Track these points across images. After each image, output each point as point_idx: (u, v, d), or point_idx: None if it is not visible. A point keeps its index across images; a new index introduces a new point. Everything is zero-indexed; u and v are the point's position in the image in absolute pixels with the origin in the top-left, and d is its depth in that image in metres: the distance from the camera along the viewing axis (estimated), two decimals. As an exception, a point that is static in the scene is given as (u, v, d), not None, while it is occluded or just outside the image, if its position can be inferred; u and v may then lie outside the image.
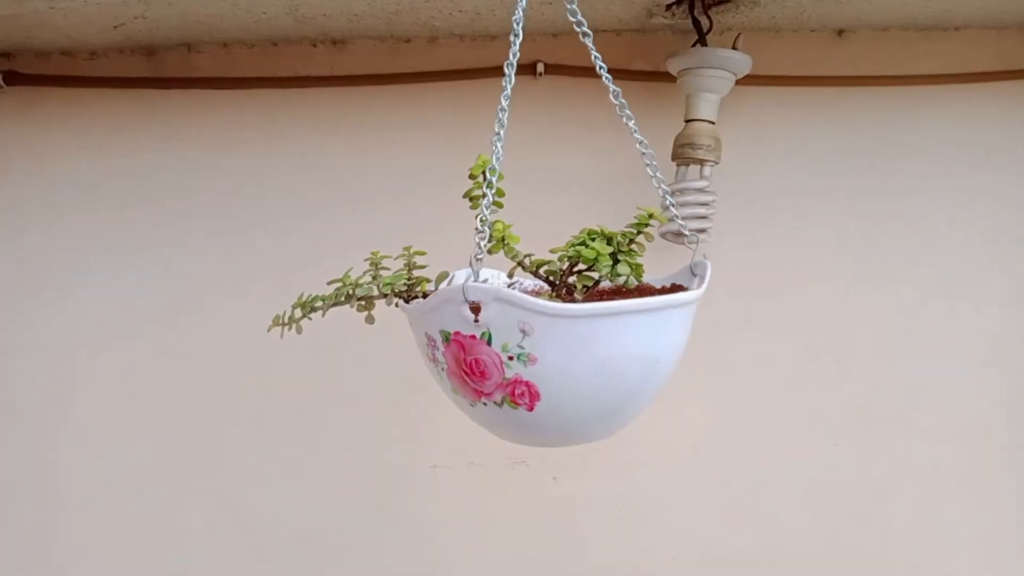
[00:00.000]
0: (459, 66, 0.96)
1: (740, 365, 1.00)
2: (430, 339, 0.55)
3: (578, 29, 0.59)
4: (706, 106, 0.89)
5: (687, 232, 0.67)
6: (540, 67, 0.96)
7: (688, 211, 0.88)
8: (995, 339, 1.00)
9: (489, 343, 0.52)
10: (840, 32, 0.98)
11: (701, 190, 0.90)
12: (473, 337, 0.52)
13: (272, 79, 0.96)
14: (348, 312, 0.64)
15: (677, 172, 0.92)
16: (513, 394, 0.53)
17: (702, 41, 0.89)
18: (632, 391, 0.55)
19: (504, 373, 0.52)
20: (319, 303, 0.61)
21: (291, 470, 1.01)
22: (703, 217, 0.90)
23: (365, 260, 0.62)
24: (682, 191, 0.90)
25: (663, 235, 0.91)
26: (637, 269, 0.62)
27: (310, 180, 0.99)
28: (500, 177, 0.57)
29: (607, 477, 1.00)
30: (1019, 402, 0.99)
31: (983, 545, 1.00)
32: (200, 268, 0.99)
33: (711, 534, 1.01)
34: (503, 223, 0.57)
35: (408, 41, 0.97)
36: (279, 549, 1.00)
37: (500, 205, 0.60)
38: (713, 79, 0.87)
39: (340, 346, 0.95)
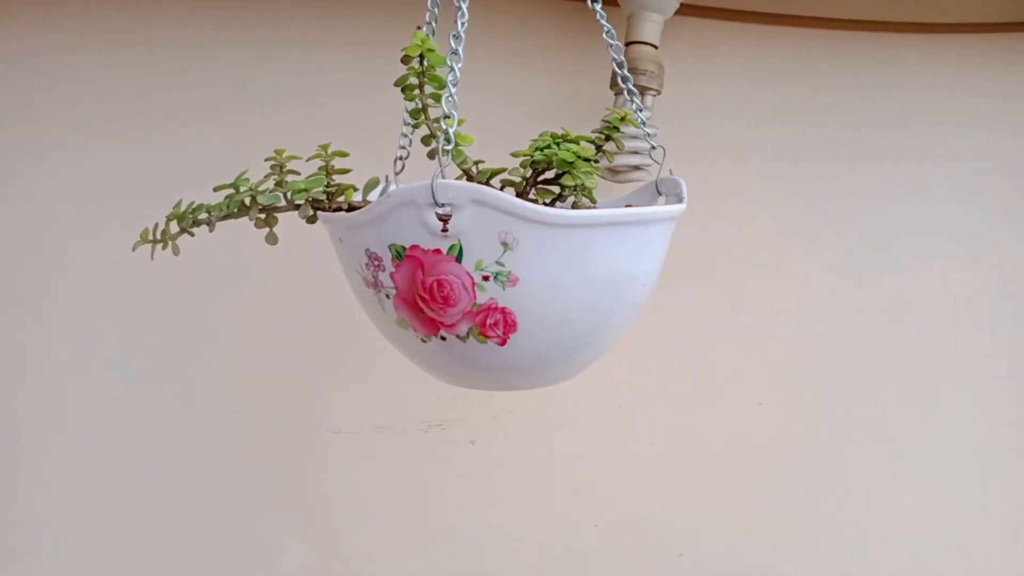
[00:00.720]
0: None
1: (668, 319, 0.94)
2: (372, 257, 0.43)
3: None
4: (650, 27, 0.80)
5: (653, 146, 0.57)
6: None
7: (629, 144, 0.80)
8: (909, 294, 0.99)
9: (459, 259, 0.42)
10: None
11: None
12: (438, 252, 0.42)
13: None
14: (230, 233, 0.51)
15: (616, 101, 0.83)
16: (484, 324, 0.43)
17: (648, -47, 0.80)
18: (615, 320, 0.46)
19: (475, 298, 0.42)
20: (204, 214, 0.47)
21: (160, 436, 0.85)
22: (640, 152, 0.82)
23: (266, 161, 0.49)
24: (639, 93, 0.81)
25: (599, 173, 0.83)
26: (590, 190, 0.54)
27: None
28: (438, 62, 0.46)
29: (529, 439, 0.91)
30: (931, 357, 0.99)
31: (898, 498, 1.00)
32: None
33: (636, 497, 0.94)
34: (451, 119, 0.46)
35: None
36: (147, 528, 0.85)
37: (437, 98, 0.49)
38: (659, -5, 0.79)
39: (223, 279, 0.81)
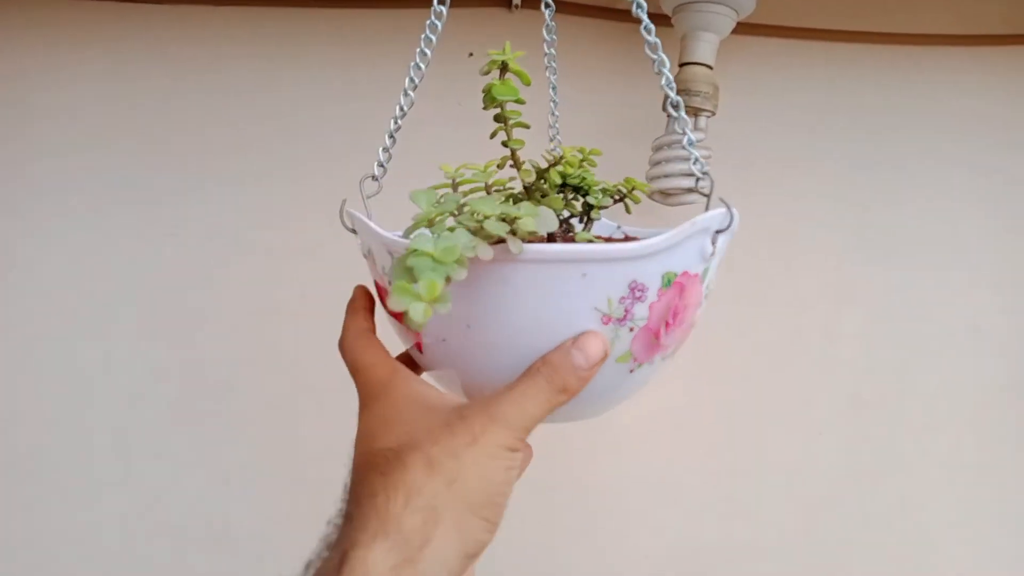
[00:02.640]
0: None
1: (726, 344, 0.91)
2: (635, 288, 0.42)
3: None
4: (704, 47, 0.79)
5: (699, 176, 0.55)
6: (516, -1, 0.85)
7: (681, 167, 0.78)
8: (987, 321, 0.93)
9: (703, 279, 0.45)
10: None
11: (696, 144, 0.79)
12: (696, 275, 0.44)
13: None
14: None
15: (668, 123, 0.82)
16: (679, 341, 0.47)
17: (703, -27, 0.79)
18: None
19: (694, 315, 0.46)
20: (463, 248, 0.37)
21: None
22: (692, 175, 0.80)
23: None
24: (673, 144, 0.79)
25: (650, 195, 0.81)
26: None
27: (237, 116, 0.85)
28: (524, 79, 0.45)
29: (574, 465, 0.90)
30: (1010, 388, 0.93)
31: (969, 538, 0.93)
32: (129, 222, 0.85)
33: (689, 527, 0.91)
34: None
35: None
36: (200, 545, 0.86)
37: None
38: (713, 16, 0.77)
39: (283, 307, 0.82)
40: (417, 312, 0.33)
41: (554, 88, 0.62)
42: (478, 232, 0.38)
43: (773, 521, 0.92)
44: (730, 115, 0.85)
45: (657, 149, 0.81)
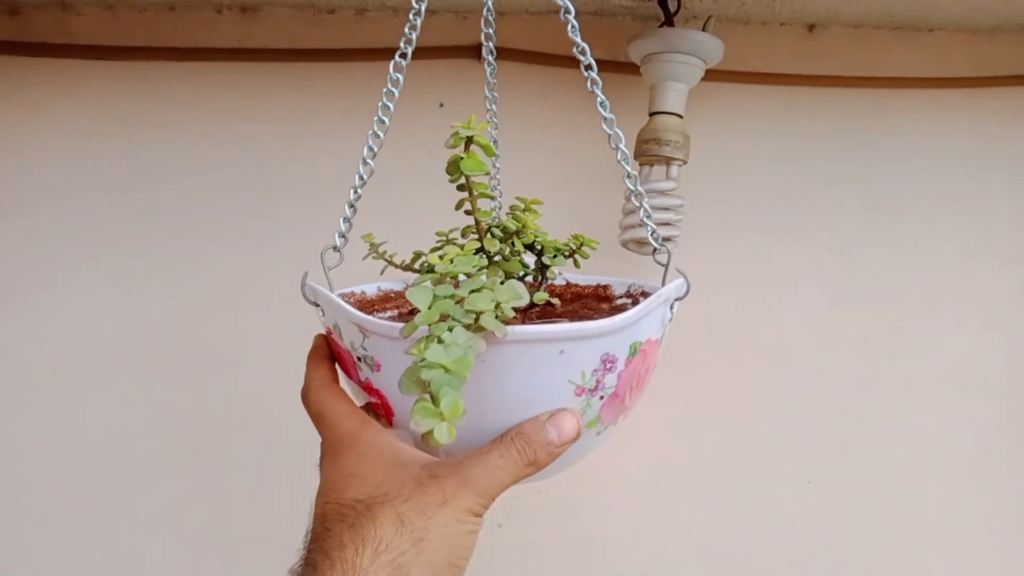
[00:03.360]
0: (390, 44, 0.83)
1: (701, 392, 0.90)
2: (606, 360, 0.42)
3: (561, 2, 0.46)
4: (674, 97, 0.79)
5: (657, 243, 0.53)
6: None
7: (655, 216, 0.78)
8: (976, 361, 0.92)
9: (661, 343, 0.48)
10: (811, 27, 0.90)
11: (667, 192, 0.79)
12: (657, 341, 0.46)
13: (168, 50, 0.80)
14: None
15: (640, 172, 0.81)
16: (637, 399, 0.49)
17: (669, 22, 0.79)
18: None
19: (650, 375, 0.48)
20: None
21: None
22: (669, 223, 0.80)
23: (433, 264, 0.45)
24: (647, 193, 0.79)
25: (624, 244, 0.80)
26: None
27: (208, 169, 0.83)
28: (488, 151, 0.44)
29: (558, 521, 0.87)
30: (1002, 430, 0.92)
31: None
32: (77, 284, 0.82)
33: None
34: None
35: (332, 12, 0.83)
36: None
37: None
38: (682, 66, 0.77)
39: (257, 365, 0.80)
40: (442, 434, 0.33)
41: (495, 142, 0.62)
42: (471, 327, 0.38)
43: (763, 574, 0.90)
44: (704, 159, 0.85)
45: (629, 199, 0.80)
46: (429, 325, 0.36)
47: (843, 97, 0.90)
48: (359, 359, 0.44)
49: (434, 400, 0.31)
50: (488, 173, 0.44)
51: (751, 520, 0.90)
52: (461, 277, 0.44)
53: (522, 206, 0.52)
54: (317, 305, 0.47)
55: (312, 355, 0.49)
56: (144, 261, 0.83)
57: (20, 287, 0.81)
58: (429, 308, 0.35)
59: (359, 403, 0.48)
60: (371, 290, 0.58)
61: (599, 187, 0.87)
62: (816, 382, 0.91)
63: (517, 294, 0.39)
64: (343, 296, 0.55)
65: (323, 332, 0.50)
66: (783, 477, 0.91)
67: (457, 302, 0.37)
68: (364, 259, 0.57)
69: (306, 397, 0.47)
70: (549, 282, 0.61)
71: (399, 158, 0.75)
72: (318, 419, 0.46)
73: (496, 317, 0.37)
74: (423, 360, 0.33)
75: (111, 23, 0.80)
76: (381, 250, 0.59)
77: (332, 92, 0.83)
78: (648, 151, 0.79)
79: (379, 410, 0.46)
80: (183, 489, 0.83)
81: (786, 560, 0.90)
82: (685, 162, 0.79)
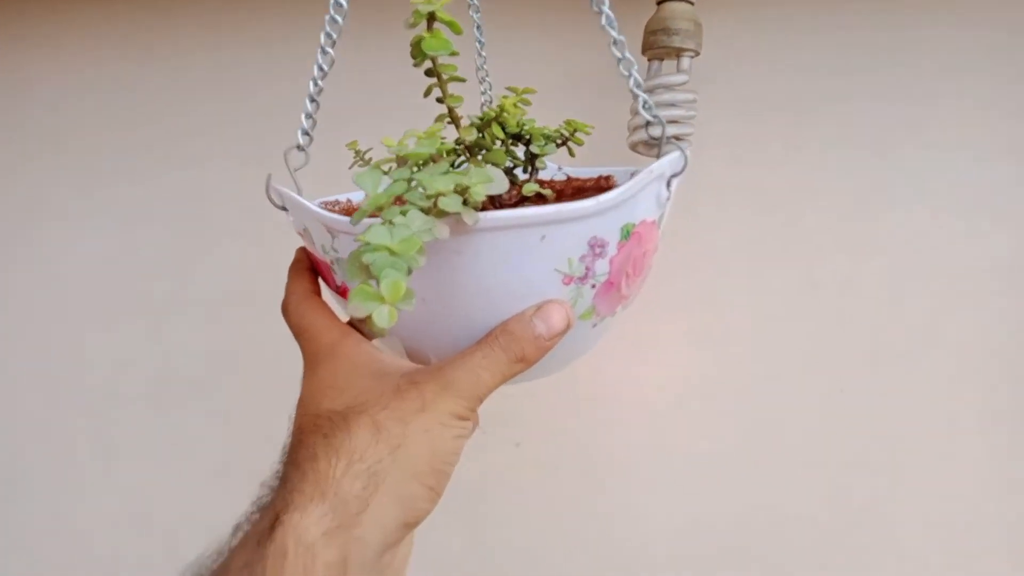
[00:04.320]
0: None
1: (728, 302, 0.86)
2: (595, 245, 0.40)
3: None
4: (682, -19, 0.72)
5: (649, 115, 0.49)
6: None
7: (662, 113, 0.72)
8: (1013, 265, 0.86)
9: (659, 225, 0.44)
10: None
11: (677, 87, 0.73)
12: (653, 222, 0.43)
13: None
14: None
15: (649, 68, 0.75)
16: (638, 288, 0.46)
17: (676, -103, 0.72)
18: None
19: (651, 260, 0.45)
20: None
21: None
22: (678, 121, 0.74)
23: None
24: (655, 89, 0.73)
25: (632, 146, 0.75)
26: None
27: (204, 96, 0.80)
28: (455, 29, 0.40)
29: (578, 439, 0.85)
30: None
31: (1004, 498, 0.87)
32: (85, 209, 0.81)
33: (700, 499, 0.87)
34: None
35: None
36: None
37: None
38: (691, -55, 0.71)
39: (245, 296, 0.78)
40: (382, 317, 0.30)
41: (479, 27, 0.58)
42: (431, 211, 0.34)
43: (796, 486, 0.87)
44: (724, 56, 0.79)
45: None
46: (380, 210, 0.33)
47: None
48: (332, 263, 0.42)
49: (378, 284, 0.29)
50: (455, 53, 0.40)
51: (778, 433, 0.87)
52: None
53: (512, 97, 0.49)
54: (285, 209, 0.44)
55: (292, 267, 0.48)
56: (137, 194, 0.81)
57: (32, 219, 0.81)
58: (379, 192, 0.32)
59: (345, 318, 0.46)
60: (358, 197, 0.55)
61: (607, 92, 0.81)
62: (849, 288, 0.86)
63: (488, 177, 0.36)
64: (326, 204, 0.53)
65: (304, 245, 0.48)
66: (811, 387, 0.87)
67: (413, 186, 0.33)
68: (350, 168, 0.54)
69: (286, 310, 0.45)
70: (550, 178, 0.58)
71: (388, 69, 0.71)
72: (298, 331, 0.44)
73: (465, 203, 0.34)
74: (366, 244, 0.30)
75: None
76: (367, 157, 0.55)
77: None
78: (657, 43, 0.73)
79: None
80: (197, 419, 0.84)
81: (814, 471, 0.87)
82: (698, 53, 0.73)
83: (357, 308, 0.29)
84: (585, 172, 0.57)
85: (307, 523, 0.35)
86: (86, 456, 0.83)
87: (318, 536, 0.35)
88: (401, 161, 0.44)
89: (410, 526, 0.39)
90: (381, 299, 0.29)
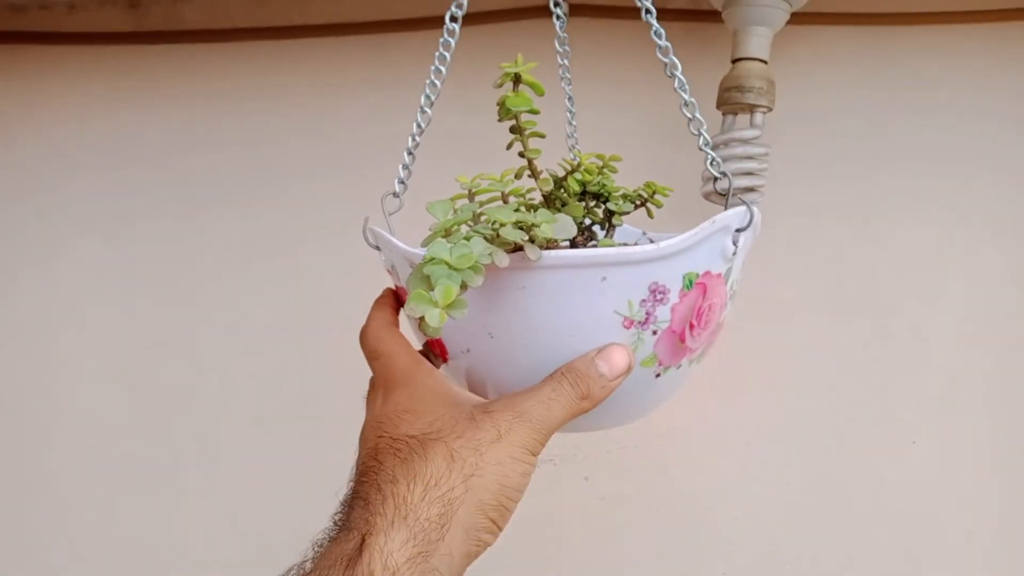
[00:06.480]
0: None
1: (800, 351, 0.87)
2: (656, 291, 0.42)
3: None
4: (757, 42, 0.76)
5: (716, 171, 0.52)
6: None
7: (736, 166, 0.76)
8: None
9: (726, 280, 0.44)
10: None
11: (750, 141, 0.77)
12: (720, 275, 0.43)
13: (265, 30, 0.86)
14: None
15: (724, 122, 0.79)
16: (706, 343, 0.47)
17: (751, -35, 0.76)
18: None
19: (720, 316, 0.46)
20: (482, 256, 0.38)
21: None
22: (752, 173, 0.77)
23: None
24: (729, 142, 0.77)
25: (706, 196, 0.79)
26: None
27: (311, 141, 0.89)
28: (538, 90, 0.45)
29: (646, 477, 0.87)
30: None
31: None
32: (194, 243, 0.91)
33: (767, 543, 0.87)
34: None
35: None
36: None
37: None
38: (765, 9, 0.74)
39: (338, 326, 0.85)
40: (433, 317, 0.34)
41: (570, 99, 0.62)
42: (494, 240, 0.38)
43: (866, 538, 0.87)
44: (793, 110, 0.82)
45: (713, 149, 0.78)
46: (448, 234, 0.37)
47: (934, 35, 0.83)
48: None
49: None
50: (537, 112, 0.45)
51: (846, 482, 0.86)
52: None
53: (599, 164, 0.51)
54: (378, 248, 0.49)
55: (376, 301, 0.51)
56: (254, 223, 0.89)
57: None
58: (446, 217, 0.37)
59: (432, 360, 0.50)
60: None
61: (679, 144, 0.85)
62: (921, 338, 0.86)
63: (553, 218, 0.40)
64: None
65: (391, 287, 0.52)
66: (883, 438, 0.86)
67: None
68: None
69: (364, 335, 0.48)
70: (635, 241, 0.60)
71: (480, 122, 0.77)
72: (373, 355, 0.47)
73: (532, 241, 0.38)
74: (428, 258, 0.34)
75: (215, 9, 0.87)
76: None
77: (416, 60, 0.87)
78: (730, 99, 0.77)
79: (434, 348, 0.48)
80: (294, 435, 0.90)
81: (884, 522, 0.86)
82: (770, 109, 0.77)
83: (413, 309, 0.33)
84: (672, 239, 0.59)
85: (391, 548, 0.36)
86: (191, 463, 0.91)
87: (402, 562, 0.35)
88: (471, 198, 0.49)
89: (471, 558, 0.39)
90: (434, 303, 0.33)
